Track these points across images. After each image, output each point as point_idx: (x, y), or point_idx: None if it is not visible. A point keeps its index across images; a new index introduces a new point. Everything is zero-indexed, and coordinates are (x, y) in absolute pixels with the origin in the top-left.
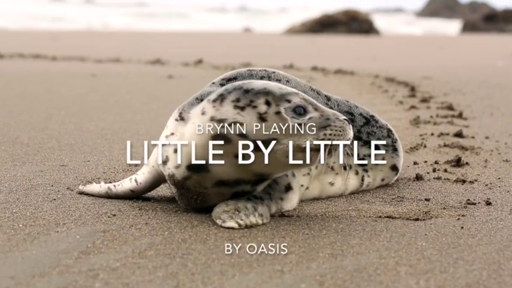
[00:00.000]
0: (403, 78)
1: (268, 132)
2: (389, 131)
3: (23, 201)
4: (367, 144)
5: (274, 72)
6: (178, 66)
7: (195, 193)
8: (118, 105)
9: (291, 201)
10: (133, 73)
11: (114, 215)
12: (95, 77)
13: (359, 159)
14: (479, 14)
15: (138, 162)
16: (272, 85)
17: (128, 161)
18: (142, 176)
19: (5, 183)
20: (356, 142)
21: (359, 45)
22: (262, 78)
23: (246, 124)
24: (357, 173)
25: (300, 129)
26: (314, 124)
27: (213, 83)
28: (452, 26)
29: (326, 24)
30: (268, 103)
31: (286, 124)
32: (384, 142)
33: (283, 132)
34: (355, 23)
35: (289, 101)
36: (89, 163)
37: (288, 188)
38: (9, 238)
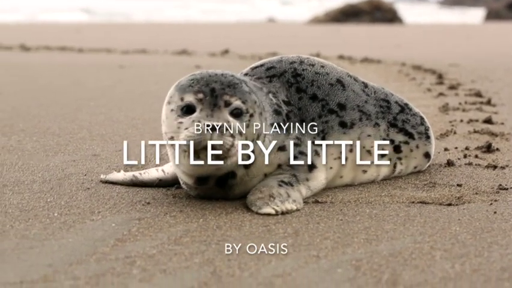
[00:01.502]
0: (430, 65)
1: (168, 130)
2: (422, 118)
3: (57, 191)
4: (402, 131)
5: (308, 58)
6: (205, 56)
7: None
8: (145, 96)
9: (317, 179)
10: (160, 64)
11: (148, 203)
12: (123, 68)
13: (393, 145)
14: (503, 2)
15: (135, 162)
16: (181, 81)
17: (125, 162)
18: (170, 168)
19: (39, 173)
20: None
21: (384, 34)
22: (293, 63)
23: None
24: (389, 160)
25: (180, 127)
26: (185, 125)
27: (245, 74)
28: (476, 15)
29: (349, 14)
30: (168, 102)
31: (171, 122)
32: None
33: (172, 130)
34: (379, 12)
35: (182, 99)
36: (120, 152)
37: (312, 166)
38: (45, 227)
